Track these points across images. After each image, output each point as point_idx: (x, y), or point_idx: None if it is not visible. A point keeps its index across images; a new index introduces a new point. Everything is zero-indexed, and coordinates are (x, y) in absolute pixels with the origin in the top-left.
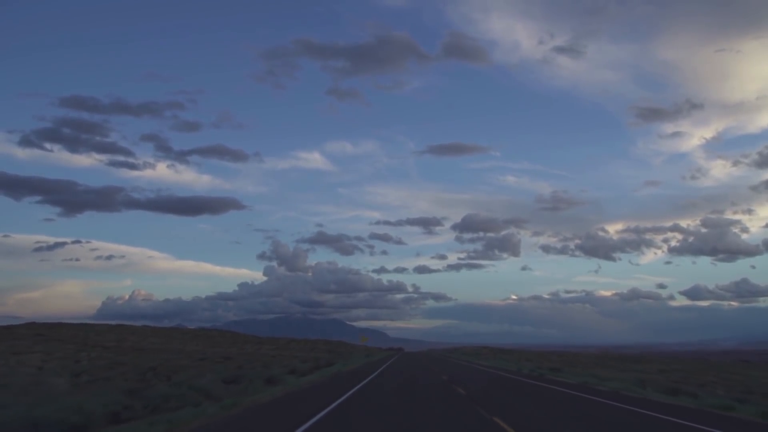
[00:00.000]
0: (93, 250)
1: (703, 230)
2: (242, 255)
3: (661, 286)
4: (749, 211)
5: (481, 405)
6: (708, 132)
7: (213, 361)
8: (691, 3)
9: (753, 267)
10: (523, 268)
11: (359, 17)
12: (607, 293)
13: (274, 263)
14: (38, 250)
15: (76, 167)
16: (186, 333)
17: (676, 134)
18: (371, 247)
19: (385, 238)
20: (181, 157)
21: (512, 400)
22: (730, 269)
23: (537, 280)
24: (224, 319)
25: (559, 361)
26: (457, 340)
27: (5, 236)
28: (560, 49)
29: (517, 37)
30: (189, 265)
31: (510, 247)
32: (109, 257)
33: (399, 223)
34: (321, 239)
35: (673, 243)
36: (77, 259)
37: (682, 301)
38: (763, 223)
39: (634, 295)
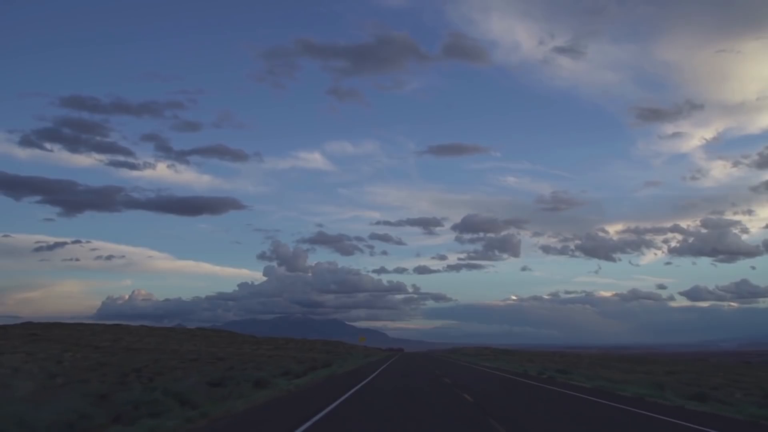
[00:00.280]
0: (93, 250)
1: (703, 231)
2: (242, 255)
3: (661, 286)
4: (749, 212)
5: (494, 416)
6: (708, 133)
7: (204, 361)
8: (691, 4)
9: (753, 268)
10: (523, 269)
11: (359, 17)
12: (607, 294)
13: (274, 263)
14: (38, 250)
15: (76, 167)
16: (183, 333)
17: (676, 135)
18: (371, 247)
19: (385, 238)
20: (181, 157)
21: (528, 408)
22: (730, 270)
23: (537, 280)
24: (224, 319)
25: (562, 362)
26: (456, 340)
27: (5, 236)
28: (561, 50)
29: (518, 37)
30: (189, 265)
31: (510, 247)
32: (109, 257)
33: (399, 224)
34: (321, 239)
35: (673, 244)
36: (77, 259)
37: (682, 302)
38: (764, 224)
39: (634, 295)
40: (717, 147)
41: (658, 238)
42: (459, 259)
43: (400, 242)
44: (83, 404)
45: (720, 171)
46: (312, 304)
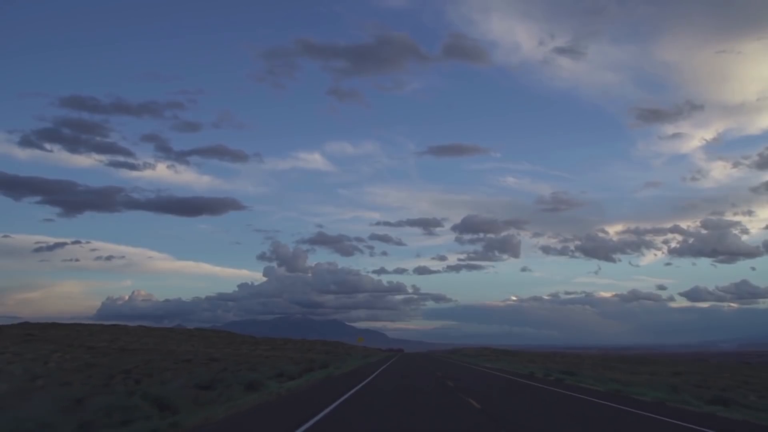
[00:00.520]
0: (93, 250)
1: (703, 232)
2: (242, 255)
3: (661, 287)
4: (749, 213)
5: (507, 426)
6: (708, 133)
7: (198, 363)
8: (691, 4)
9: (753, 269)
10: (523, 269)
11: (359, 17)
12: (607, 294)
13: (274, 264)
14: (38, 250)
15: (76, 167)
16: (182, 333)
17: (676, 135)
18: (371, 247)
19: (385, 239)
20: (181, 157)
21: (543, 416)
22: (730, 271)
23: (537, 281)
24: (224, 319)
25: (565, 363)
26: (456, 341)
27: (5, 236)
28: (561, 50)
29: (518, 38)
30: (189, 265)
31: (510, 248)
32: (109, 258)
33: (399, 224)
34: (321, 240)
35: (673, 244)
36: (77, 260)
37: (682, 303)
38: (764, 225)
39: (634, 296)
40: (717, 148)
41: (658, 239)
42: (459, 259)
43: (400, 243)
44: (54, 410)
45: (720, 172)
46: (312, 304)
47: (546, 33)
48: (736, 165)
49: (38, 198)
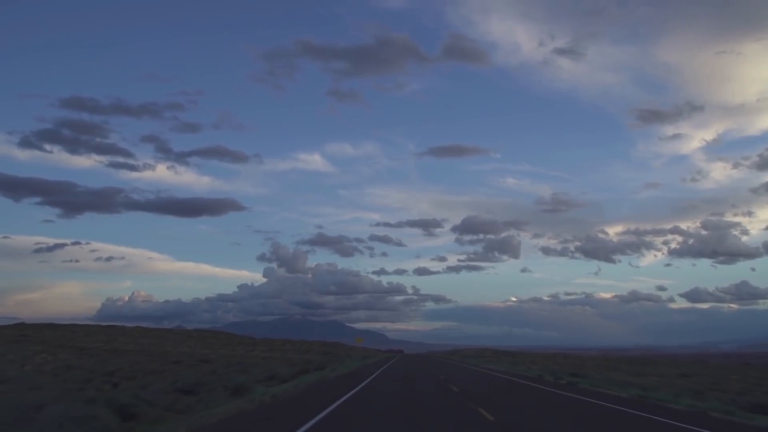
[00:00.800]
0: (93, 251)
1: (703, 232)
2: (242, 256)
3: (661, 288)
4: (749, 214)
5: None
6: (708, 134)
7: (188, 364)
8: (691, 5)
9: (753, 269)
10: (523, 270)
11: (359, 18)
12: (607, 295)
13: (274, 265)
14: (38, 251)
15: (75, 168)
16: (179, 334)
17: (676, 136)
18: (371, 248)
19: (385, 239)
20: (181, 158)
21: None
22: (730, 271)
23: (537, 282)
24: (224, 320)
25: (568, 364)
26: (456, 342)
27: (5, 237)
28: (560, 51)
29: (518, 38)
30: (189, 266)
31: (510, 249)
32: (109, 258)
33: (399, 225)
34: (321, 241)
35: (673, 245)
36: (77, 261)
37: (681, 304)
38: (763, 226)
39: (634, 297)
40: (717, 148)
41: (658, 240)
42: (459, 260)
43: (399, 244)
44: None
45: (720, 172)
46: (312, 305)
47: (546, 34)
48: (736, 166)
49: (38, 199)
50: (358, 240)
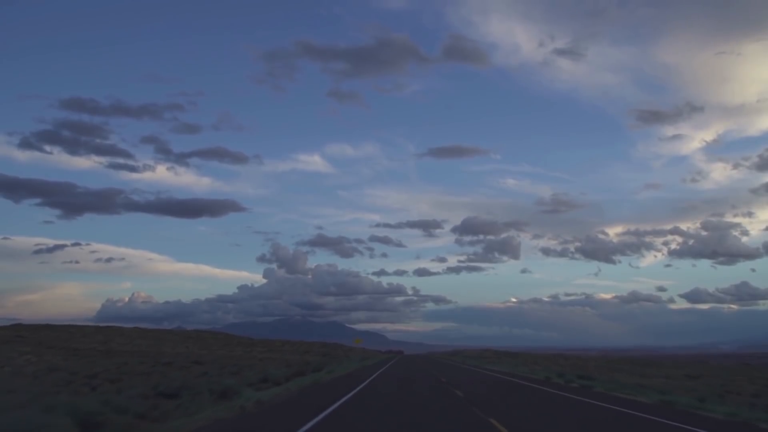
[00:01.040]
0: (93, 252)
1: (703, 233)
2: (242, 257)
3: (661, 289)
4: (749, 214)
5: None
6: (708, 135)
7: (179, 366)
8: (691, 6)
9: (753, 270)
10: (523, 271)
11: (359, 19)
12: (607, 296)
13: (274, 266)
14: (38, 252)
15: (75, 169)
16: (177, 335)
17: (676, 137)
18: (371, 249)
19: (384, 240)
20: (180, 159)
21: None
22: (730, 272)
23: (537, 282)
24: (224, 321)
25: (570, 365)
26: (456, 343)
27: (5, 238)
28: (560, 52)
29: (518, 39)
30: (189, 267)
31: (510, 249)
32: (109, 259)
33: (399, 226)
34: (321, 242)
35: (673, 246)
36: (77, 262)
37: (681, 304)
38: (764, 226)
39: (634, 298)
40: (717, 149)
41: (658, 241)
42: (459, 261)
43: (399, 244)
44: None
45: (720, 173)
46: (312, 306)
47: (546, 34)
48: (736, 166)
49: (38, 200)
50: (358, 241)
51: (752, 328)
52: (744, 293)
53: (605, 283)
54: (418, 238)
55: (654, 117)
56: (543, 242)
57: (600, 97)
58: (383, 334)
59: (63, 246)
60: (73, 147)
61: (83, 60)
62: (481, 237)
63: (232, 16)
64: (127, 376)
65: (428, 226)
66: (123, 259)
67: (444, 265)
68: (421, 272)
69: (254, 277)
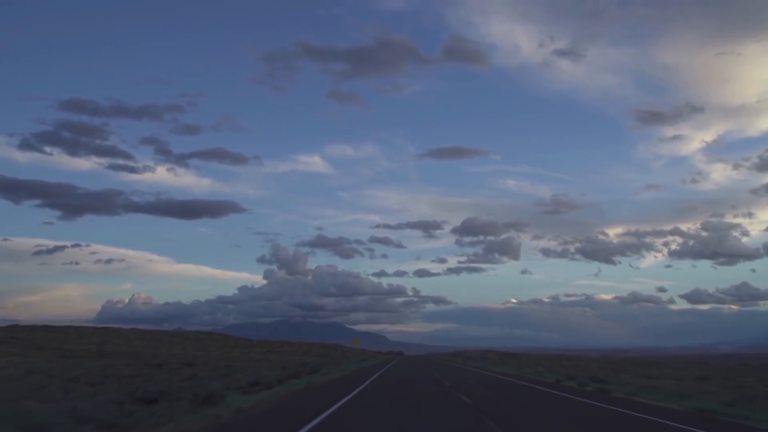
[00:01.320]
0: (93, 253)
1: (704, 234)
2: (242, 258)
3: (662, 289)
4: (750, 215)
5: None
6: (708, 135)
7: (169, 367)
8: (691, 6)
9: (753, 271)
10: (523, 272)
11: (359, 20)
12: (607, 297)
13: (274, 267)
14: (38, 253)
15: (75, 170)
16: (175, 336)
17: (676, 138)
18: (371, 250)
19: (385, 241)
20: (180, 160)
21: None
22: (730, 273)
23: (537, 283)
24: (224, 322)
25: (573, 366)
26: (456, 343)
27: (5, 240)
28: (560, 53)
29: (517, 40)
30: (189, 268)
31: (510, 250)
32: (109, 261)
33: (399, 227)
34: (321, 243)
35: (674, 246)
36: (77, 263)
37: (682, 305)
38: (764, 227)
39: (634, 298)
40: (717, 150)
41: (659, 241)
42: (459, 262)
43: (400, 245)
44: None
45: (720, 174)
46: (312, 307)
47: (546, 35)
48: (736, 167)
49: (38, 201)
50: (358, 242)
51: (752, 328)
52: (744, 294)
53: (605, 283)
54: (418, 239)
55: (654, 118)
56: (543, 243)
57: (600, 97)
58: (383, 335)
59: (63, 247)
60: (73, 148)
61: (83, 61)
62: (481, 238)
63: (231, 17)
64: (109, 379)
65: (428, 227)
66: (123, 260)
67: (444, 266)
68: (422, 273)
69: (254, 278)
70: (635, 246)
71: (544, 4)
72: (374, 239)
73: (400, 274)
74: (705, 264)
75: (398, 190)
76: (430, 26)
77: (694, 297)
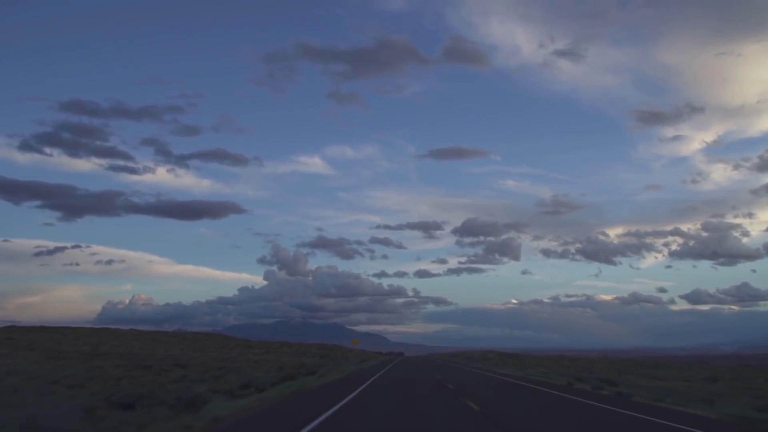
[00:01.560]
0: (93, 254)
1: (704, 234)
2: (242, 259)
3: (662, 290)
4: (750, 215)
5: None
6: (709, 136)
7: (159, 369)
8: (691, 6)
9: (754, 271)
10: (524, 272)
11: (359, 21)
12: (608, 297)
13: (275, 267)
14: (38, 254)
15: (75, 172)
16: (173, 337)
17: (676, 138)
18: (371, 251)
19: (385, 242)
20: (181, 161)
21: None
22: (730, 273)
23: (537, 284)
24: (224, 323)
25: (575, 367)
26: (457, 344)
27: (5, 241)
28: (561, 53)
29: (518, 40)
30: (189, 269)
31: (510, 251)
32: (109, 262)
33: (399, 227)
34: (321, 243)
35: (674, 247)
36: (77, 264)
37: (682, 305)
38: (764, 227)
39: (635, 299)
40: (717, 150)
41: (659, 242)
42: (459, 262)
43: (400, 246)
44: None
45: (720, 174)
46: (312, 308)
47: (546, 36)
48: (736, 167)
49: (38, 202)
50: (359, 242)
51: (753, 329)
52: (744, 294)
53: (606, 284)
54: (418, 239)
55: (654, 118)
56: (543, 243)
57: (600, 98)
58: (384, 335)
59: (63, 248)
60: (73, 149)
61: (83, 62)
62: (482, 238)
63: (231, 18)
64: (93, 382)
65: (428, 228)
66: (123, 261)
67: (444, 267)
68: (422, 274)
69: (255, 278)
70: (635, 246)
71: (544, 5)
72: (374, 240)
73: (401, 274)
74: (705, 264)
75: (398, 190)
76: (430, 27)
77: (694, 297)
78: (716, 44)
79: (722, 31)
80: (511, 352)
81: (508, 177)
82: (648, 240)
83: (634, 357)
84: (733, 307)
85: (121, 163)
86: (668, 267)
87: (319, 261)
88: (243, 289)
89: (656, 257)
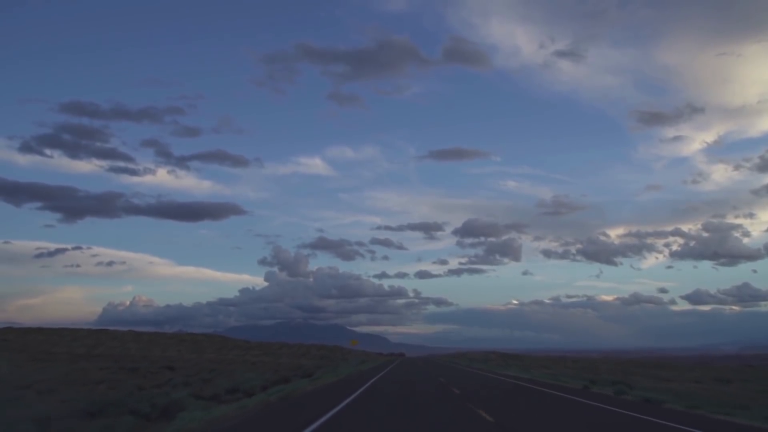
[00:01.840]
0: (94, 256)
1: (705, 234)
2: (243, 260)
3: (663, 290)
4: (751, 215)
5: None
6: (709, 136)
7: (146, 371)
8: (691, 7)
9: (754, 271)
10: (525, 273)
11: (360, 22)
12: (609, 298)
13: (275, 269)
14: (39, 256)
15: (76, 173)
16: (171, 338)
17: (677, 138)
18: (372, 252)
19: (386, 243)
20: (181, 162)
21: None
22: (731, 273)
23: (538, 284)
24: (225, 324)
25: (578, 368)
26: (458, 345)
27: (6, 243)
28: (561, 54)
29: (518, 41)
30: (190, 270)
31: (511, 251)
32: (110, 263)
33: (400, 228)
34: (322, 244)
35: (675, 247)
36: (78, 265)
37: (683, 306)
38: (765, 227)
39: (636, 299)
40: (718, 150)
41: (660, 242)
42: (460, 263)
43: (401, 247)
44: None
45: (721, 174)
46: (313, 309)
47: (546, 36)
48: (737, 167)
49: (39, 204)
50: (359, 243)
51: (754, 329)
52: (745, 294)
53: (606, 284)
54: (419, 240)
55: (655, 118)
56: (544, 244)
57: (600, 98)
58: (385, 336)
59: (64, 250)
60: (74, 151)
61: (83, 64)
62: (482, 239)
63: (231, 19)
64: (69, 386)
65: (429, 229)
66: (124, 262)
67: (445, 268)
68: (423, 274)
69: (255, 280)
70: (636, 247)
71: (544, 6)
72: (375, 241)
73: (401, 275)
74: (706, 265)
75: (399, 191)
76: (430, 28)
77: (695, 298)
78: (717, 45)
79: (722, 32)
80: (512, 353)
81: (508, 178)
82: (649, 240)
83: (636, 357)
84: (733, 307)
85: (121, 164)
86: (669, 267)
87: (320, 262)
88: (244, 291)
89: (657, 258)
